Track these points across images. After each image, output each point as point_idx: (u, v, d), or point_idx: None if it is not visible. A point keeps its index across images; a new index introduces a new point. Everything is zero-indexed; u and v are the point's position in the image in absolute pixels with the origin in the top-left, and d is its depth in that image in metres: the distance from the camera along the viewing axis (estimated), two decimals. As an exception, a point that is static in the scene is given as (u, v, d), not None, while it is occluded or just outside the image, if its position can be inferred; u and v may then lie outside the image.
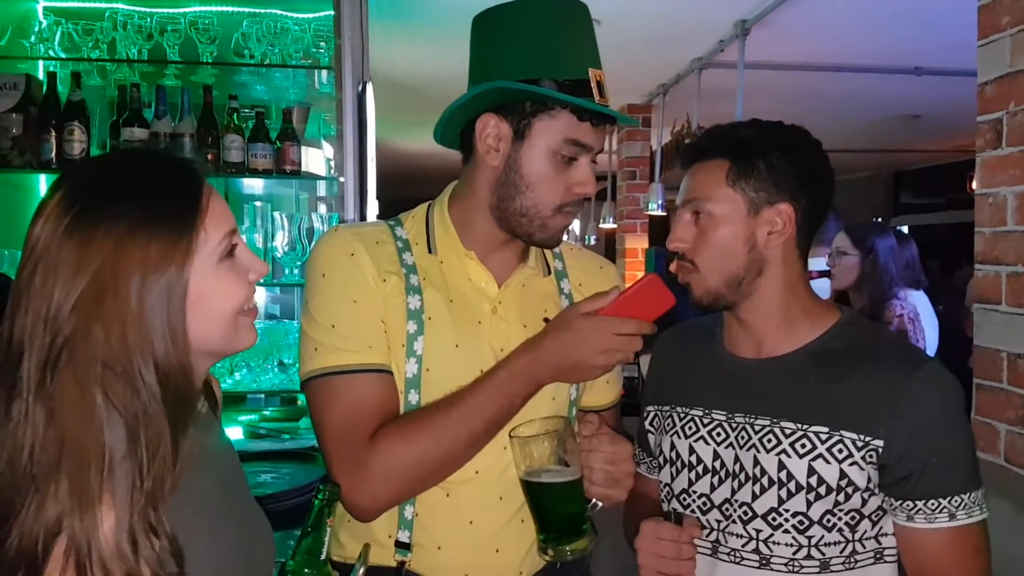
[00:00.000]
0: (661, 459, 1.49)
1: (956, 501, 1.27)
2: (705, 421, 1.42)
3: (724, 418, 1.40)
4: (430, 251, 1.41)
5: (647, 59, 5.62)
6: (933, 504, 1.27)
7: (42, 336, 0.91)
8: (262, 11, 3.03)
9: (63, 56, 2.95)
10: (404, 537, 1.36)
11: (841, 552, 1.31)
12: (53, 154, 2.77)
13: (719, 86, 5.29)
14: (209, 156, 2.81)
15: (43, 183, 3.14)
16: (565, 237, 1.45)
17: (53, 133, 2.77)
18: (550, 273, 1.50)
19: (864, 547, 1.33)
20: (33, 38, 2.94)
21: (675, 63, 5.73)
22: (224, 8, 3.02)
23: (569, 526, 1.32)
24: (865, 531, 1.32)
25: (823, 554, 1.31)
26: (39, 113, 2.80)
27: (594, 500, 1.35)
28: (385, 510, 1.33)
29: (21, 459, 0.90)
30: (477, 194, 1.40)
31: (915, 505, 1.28)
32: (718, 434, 1.40)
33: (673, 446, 1.46)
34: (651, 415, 1.55)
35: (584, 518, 1.33)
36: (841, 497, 1.29)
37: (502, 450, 1.35)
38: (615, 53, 5.42)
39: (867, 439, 1.28)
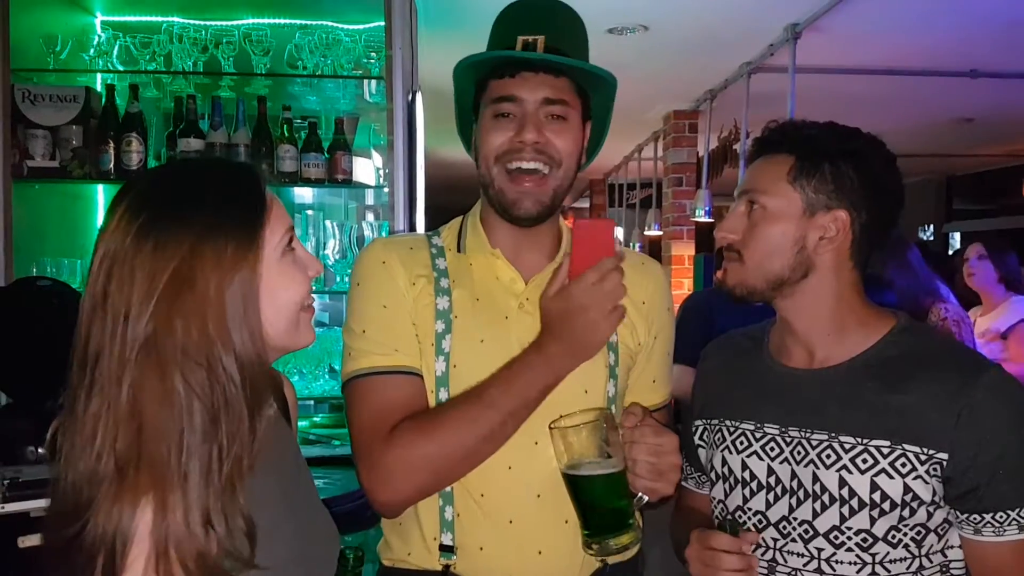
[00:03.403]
0: (713, 475, 1.46)
1: None
2: (757, 435, 1.39)
3: (777, 432, 1.36)
4: (459, 250, 1.45)
5: (695, 64, 5.59)
6: (1002, 516, 1.24)
7: (122, 334, 0.95)
8: (314, 23, 3.08)
9: (121, 69, 3.04)
10: (447, 539, 1.36)
11: (908, 569, 1.28)
12: (111, 165, 2.84)
13: (768, 91, 5.22)
14: (263, 166, 2.85)
15: (101, 194, 3.22)
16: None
17: (111, 144, 2.85)
18: None
19: (931, 561, 1.29)
20: (92, 51, 3.02)
21: (723, 68, 5.68)
22: (277, 20, 3.08)
23: (613, 520, 1.30)
24: (931, 546, 1.29)
25: (888, 571, 1.27)
26: (98, 125, 2.88)
27: (640, 494, 1.32)
28: (407, 505, 1.35)
29: (103, 451, 0.93)
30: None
31: (982, 518, 1.24)
32: (771, 449, 1.37)
33: (725, 461, 1.42)
34: (700, 429, 1.52)
35: (628, 512, 1.31)
36: (906, 512, 1.25)
37: (533, 445, 1.35)
38: (662, 59, 5.42)
39: (931, 452, 1.24)
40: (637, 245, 8.72)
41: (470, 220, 1.49)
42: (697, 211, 6.17)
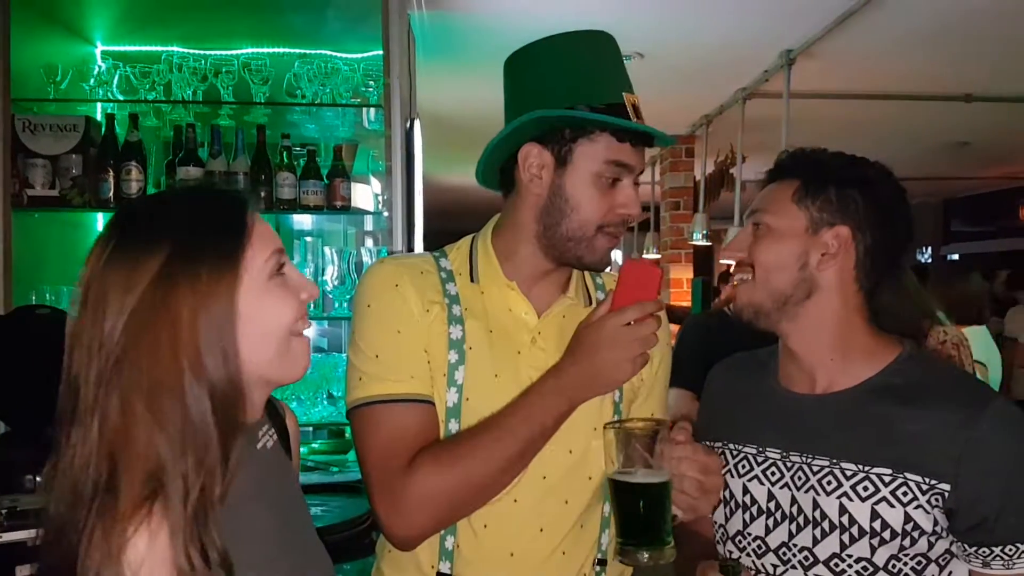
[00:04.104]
0: None
1: None
2: (759, 459, 1.38)
3: (778, 456, 1.36)
4: (472, 280, 1.42)
5: (690, 90, 5.64)
6: (1011, 550, 1.22)
7: (96, 360, 0.93)
8: (313, 52, 3.11)
9: (121, 98, 3.05)
10: (445, 568, 1.35)
11: None
12: (111, 193, 2.85)
13: (763, 116, 5.27)
14: (262, 193, 2.87)
15: (101, 222, 3.23)
16: (608, 269, 1.46)
17: (111, 173, 2.86)
18: (591, 303, 1.49)
19: None
20: (92, 81, 3.04)
21: (719, 94, 5.73)
22: (276, 50, 3.11)
23: (652, 532, 1.28)
24: None
25: None
26: (97, 154, 2.89)
27: (674, 511, 1.31)
28: (424, 538, 1.33)
29: (81, 480, 0.92)
30: (521, 223, 1.41)
31: (992, 551, 1.23)
32: (772, 473, 1.36)
33: (726, 485, 1.42)
34: None
35: (668, 527, 1.29)
36: (907, 542, 1.24)
37: (541, 479, 1.34)
38: (658, 85, 5.46)
39: (932, 482, 1.23)
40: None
41: (480, 248, 1.45)
42: (695, 234, 6.20)
